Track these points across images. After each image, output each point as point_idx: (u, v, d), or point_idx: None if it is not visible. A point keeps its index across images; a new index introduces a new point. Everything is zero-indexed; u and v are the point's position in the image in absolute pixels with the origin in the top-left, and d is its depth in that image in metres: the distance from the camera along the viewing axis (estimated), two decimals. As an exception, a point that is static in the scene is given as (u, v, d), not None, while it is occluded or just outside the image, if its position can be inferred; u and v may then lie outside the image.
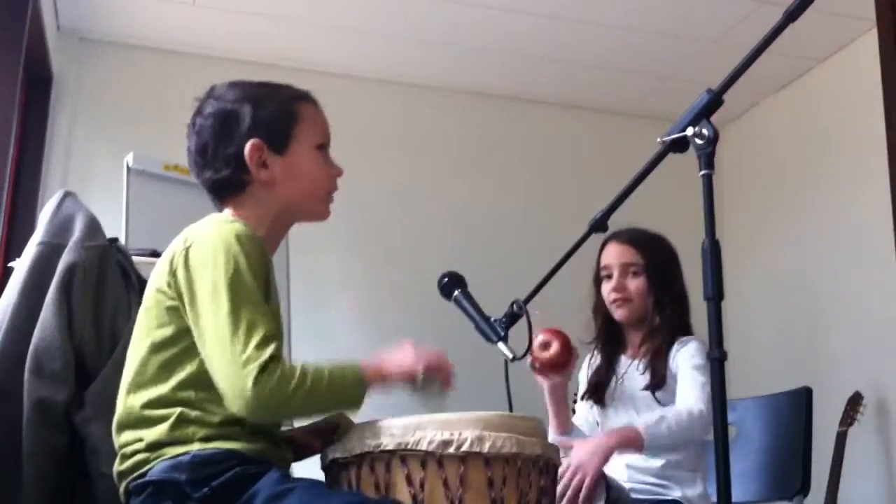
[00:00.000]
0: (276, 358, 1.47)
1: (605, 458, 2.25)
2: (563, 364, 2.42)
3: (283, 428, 1.72)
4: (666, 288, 2.58)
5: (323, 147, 1.73)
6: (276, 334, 1.51)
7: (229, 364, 1.46)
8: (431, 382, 1.60)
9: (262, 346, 1.47)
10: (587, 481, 2.19)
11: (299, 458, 1.71)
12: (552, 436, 2.52)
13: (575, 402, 2.76)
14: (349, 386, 1.55)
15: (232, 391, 1.46)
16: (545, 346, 2.39)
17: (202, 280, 1.53)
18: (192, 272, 1.54)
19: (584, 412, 2.68)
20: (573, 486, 2.18)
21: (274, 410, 1.49)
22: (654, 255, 2.61)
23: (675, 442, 2.36)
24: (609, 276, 2.61)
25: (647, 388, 2.49)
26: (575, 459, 2.21)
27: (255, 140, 1.66)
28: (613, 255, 2.61)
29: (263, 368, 1.45)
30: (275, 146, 1.68)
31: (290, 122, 1.70)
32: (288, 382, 1.46)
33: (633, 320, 2.60)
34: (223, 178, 1.68)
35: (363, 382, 1.55)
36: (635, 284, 2.58)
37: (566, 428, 2.54)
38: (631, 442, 2.30)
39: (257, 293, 1.53)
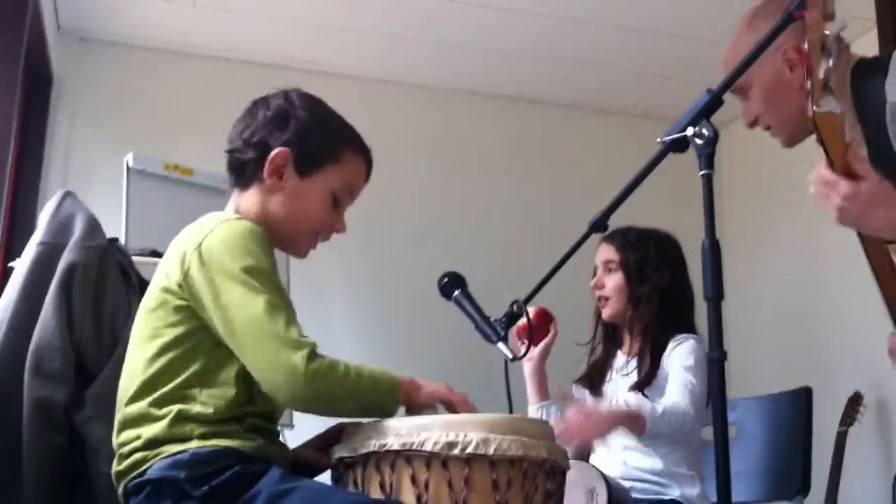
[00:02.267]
0: (317, 346, 1.49)
1: (606, 432, 2.28)
2: (536, 328, 2.46)
3: (291, 441, 1.73)
4: (641, 283, 2.60)
5: (337, 199, 1.72)
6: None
7: (276, 349, 1.47)
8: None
9: (304, 335, 1.50)
10: (592, 434, 2.26)
11: (307, 475, 1.70)
12: (534, 405, 2.55)
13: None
14: (383, 390, 1.56)
15: (282, 374, 1.47)
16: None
17: (224, 275, 1.53)
18: (210, 269, 1.54)
19: (578, 396, 2.71)
20: (579, 430, 2.22)
21: (324, 393, 1.50)
22: (631, 250, 2.63)
23: (669, 437, 2.39)
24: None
25: (633, 388, 2.51)
26: (577, 418, 2.25)
27: (286, 150, 1.67)
28: (598, 254, 2.69)
29: (313, 351, 1.47)
30: (300, 166, 1.68)
31: (327, 157, 1.70)
32: (336, 368, 1.49)
33: (617, 317, 2.65)
34: (241, 160, 1.70)
35: (397, 392, 1.56)
36: (611, 281, 2.64)
37: (546, 397, 2.59)
38: (634, 426, 2.31)
39: (279, 282, 1.56)
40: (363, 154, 1.77)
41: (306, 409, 1.54)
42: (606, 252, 2.66)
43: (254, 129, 1.70)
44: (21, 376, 1.80)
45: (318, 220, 1.71)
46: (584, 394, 2.70)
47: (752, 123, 2.02)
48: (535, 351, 2.59)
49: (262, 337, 1.49)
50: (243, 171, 1.70)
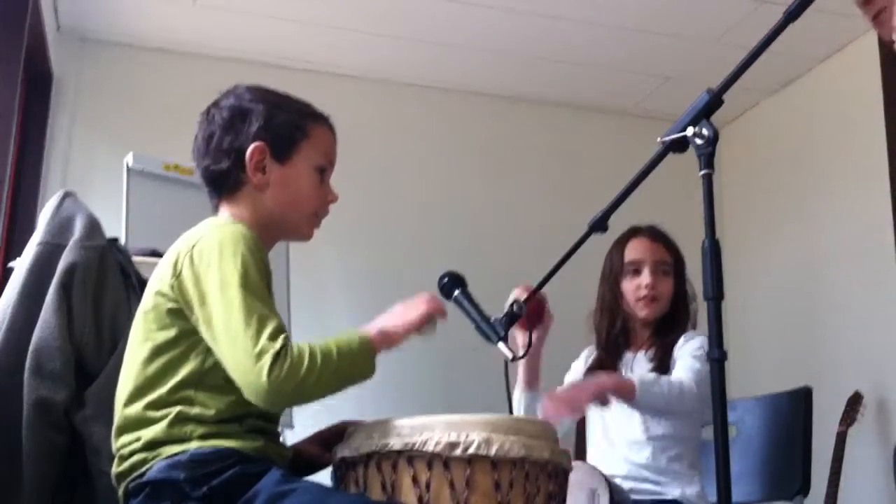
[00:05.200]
0: (286, 347, 1.47)
1: (601, 393, 2.25)
2: (533, 312, 2.41)
3: (291, 441, 1.72)
4: (683, 288, 2.61)
5: (323, 171, 1.74)
6: (284, 326, 1.52)
7: (243, 358, 1.47)
8: (431, 324, 1.63)
9: (273, 337, 1.47)
10: (582, 398, 2.22)
11: (308, 471, 1.71)
12: (519, 393, 2.44)
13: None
14: (359, 357, 1.54)
15: (248, 384, 1.47)
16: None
17: (210, 278, 1.53)
18: (198, 272, 1.54)
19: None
20: (566, 397, 2.20)
21: (291, 397, 1.50)
22: (678, 255, 2.63)
23: (664, 408, 2.36)
24: (637, 272, 2.59)
25: (652, 370, 2.50)
26: (571, 385, 2.26)
27: (260, 143, 1.68)
28: (646, 250, 2.60)
29: (275, 359, 1.45)
30: (277, 154, 1.69)
31: (298, 135, 1.71)
32: (299, 368, 1.46)
33: (656, 317, 2.60)
34: (220, 171, 1.69)
35: (372, 350, 1.56)
36: (667, 284, 2.59)
37: (535, 386, 2.46)
38: (625, 390, 2.29)
39: (265, 289, 1.55)
40: (325, 122, 1.77)
41: (287, 406, 1.55)
42: (660, 252, 2.60)
43: (219, 137, 1.70)
44: (21, 376, 1.79)
45: (313, 199, 1.73)
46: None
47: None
48: (536, 339, 2.46)
49: (234, 342, 1.48)
50: (226, 180, 1.70)
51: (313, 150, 1.73)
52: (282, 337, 1.48)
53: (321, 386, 1.50)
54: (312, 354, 1.48)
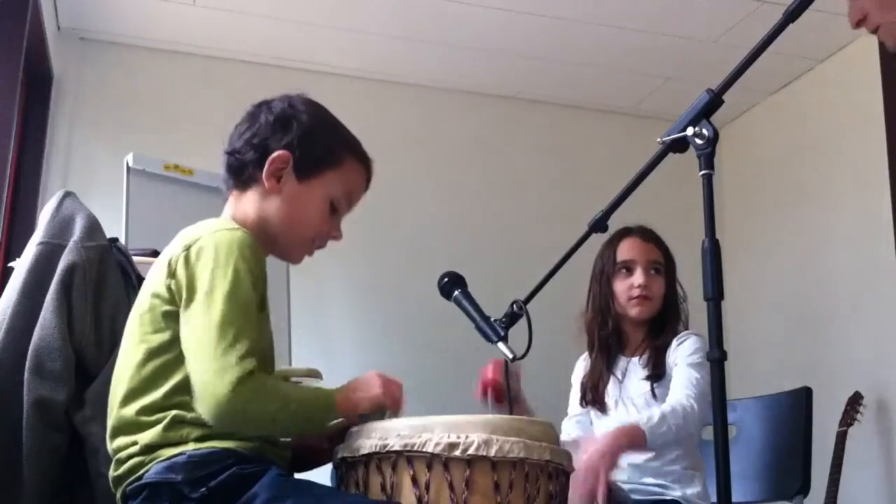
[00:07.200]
0: (254, 372, 1.48)
1: (616, 460, 2.21)
2: (498, 388, 2.35)
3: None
4: (674, 288, 2.61)
5: (335, 207, 1.73)
6: (255, 350, 1.51)
7: (209, 367, 1.47)
8: (383, 411, 1.62)
9: (244, 357, 1.47)
10: (601, 486, 2.14)
11: (312, 464, 1.71)
12: None
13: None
14: (317, 412, 1.56)
15: (206, 394, 1.47)
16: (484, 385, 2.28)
17: (201, 281, 1.53)
18: (192, 272, 1.54)
19: (580, 416, 2.66)
20: (588, 489, 2.14)
21: (243, 420, 1.49)
22: (669, 255, 2.63)
23: (674, 439, 2.35)
24: (629, 270, 2.59)
25: (647, 378, 2.50)
26: (585, 462, 2.16)
27: (286, 153, 1.67)
28: (639, 250, 2.59)
29: (243, 379, 1.45)
30: (299, 170, 1.68)
31: (329, 162, 1.71)
32: (263, 397, 1.48)
33: (646, 319, 2.59)
34: (239, 161, 1.69)
35: (332, 411, 1.57)
36: (658, 284, 2.58)
37: None
38: (637, 442, 2.26)
39: (252, 305, 1.54)
40: (364, 163, 1.77)
41: (225, 430, 1.52)
42: (652, 252, 2.59)
43: (255, 132, 1.69)
44: (21, 376, 1.79)
45: (315, 226, 1.71)
46: (587, 412, 2.66)
47: (859, 23, 1.86)
48: (517, 403, 2.37)
49: (201, 352, 1.49)
50: (242, 172, 1.69)
51: (338, 180, 1.71)
52: (251, 360, 1.48)
53: (272, 423, 1.52)
54: (275, 391, 1.51)
